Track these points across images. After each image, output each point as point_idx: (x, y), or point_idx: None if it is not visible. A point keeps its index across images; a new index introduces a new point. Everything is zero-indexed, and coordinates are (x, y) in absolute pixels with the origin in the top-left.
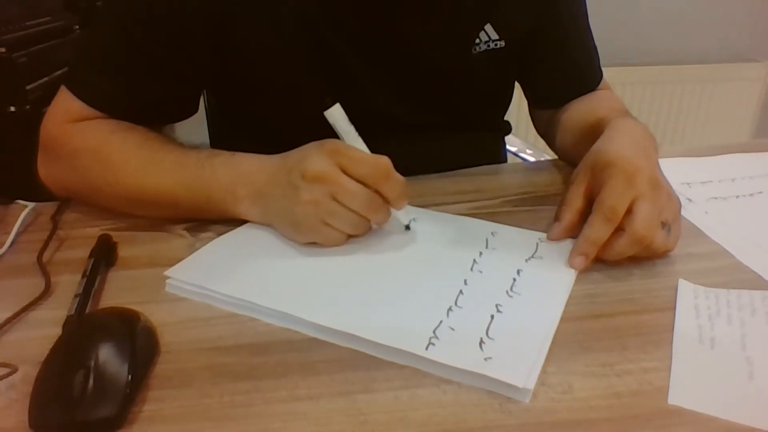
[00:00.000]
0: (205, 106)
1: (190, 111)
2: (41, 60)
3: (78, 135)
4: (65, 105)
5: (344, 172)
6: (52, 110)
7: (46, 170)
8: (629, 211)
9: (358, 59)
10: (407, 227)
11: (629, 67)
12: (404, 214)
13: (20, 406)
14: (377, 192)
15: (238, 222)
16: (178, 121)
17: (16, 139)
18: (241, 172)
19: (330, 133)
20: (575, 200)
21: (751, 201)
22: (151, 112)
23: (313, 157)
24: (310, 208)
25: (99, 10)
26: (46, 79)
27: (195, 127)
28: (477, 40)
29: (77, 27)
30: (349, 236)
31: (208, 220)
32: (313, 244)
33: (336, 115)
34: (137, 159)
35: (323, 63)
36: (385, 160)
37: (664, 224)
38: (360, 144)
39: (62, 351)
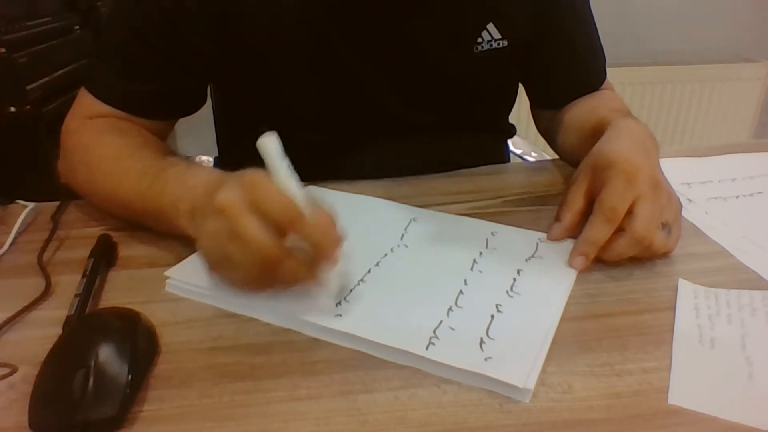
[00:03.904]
0: (212, 104)
1: (198, 104)
2: (41, 60)
3: (80, 132)
4: (83, 102)
5: (255, 209)
6: (72, 108)
7: (59, 165)
8: (630, 212)
9: (360, 57)
10: (335, 300)
11: (629, 67)
12: (333, 279)
13: (20, 406)
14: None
15: None
16: (187, 114)
17: (16, 139)
18: (186, 187)
19: (334, 131)
20: (576, 200)
21: (751, 201)
22: (161, 106)
23: (226, 185)
24: (209, 243)
25: (109, 8)
26: (46, 79)
27: (202, 125)
28: (479, 39)
29: (77, 27)
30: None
31: None
32: None
33: (269, 147)
34: (110, 165)
35: (324, 61)
36: (319, 209)
37: (664, 225)
38: (292, 184)
39: (62, 351)
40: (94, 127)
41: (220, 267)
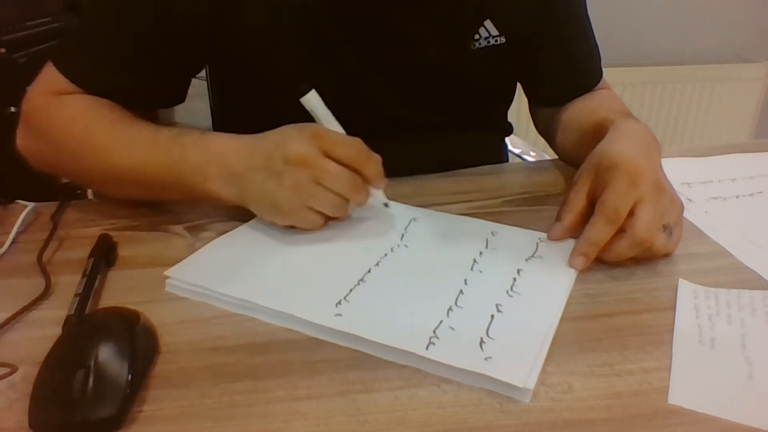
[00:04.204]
0: (209, 97)
1: (176, 100)
2: (41, 61)
3: (56, 107)
4: (50, 80)
5: (326, 155)
6: (36, 83)
7: (24, 141)
8: (631, 214)
9: (357, 57)
10: (386, 204)
11: (629, 67)
12: (381, 193)
13: (20, 406)
14: (357, 172)
15: (238, 222)
16: (164, 107)
17: (16, 140)
18: (212, 152)
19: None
20: (577, 201)
21: (751, 201)
22: (137, 96)
23: (294, 141)
24: (293, 192)
25: None
26: None
27: (199, 116)
28: (477, 36)
29: None
30: (328, 219)
31: (208, 220)
32: (316, 241)
33: (312, 100)
34: (110, 135)
35: (321, 61)
36: (360, 141)
37: (665, 227)
38: (338, 127)
39: (62, 351)
40: (76, 101)
41: (302, 210)
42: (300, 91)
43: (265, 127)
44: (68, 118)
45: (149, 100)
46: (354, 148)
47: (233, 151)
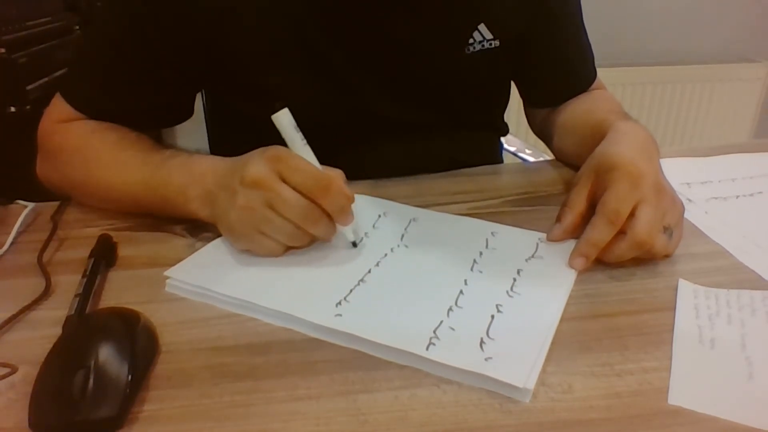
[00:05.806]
0: (203, 109)
1: (183, 116)
2: (41, 60)
3: (63, 133)
4: (58, 109)
5: (283, 180)
6: (46, 113)
7: (39, 167)
8: (632, 215)
9: (349, 61)
10: (354, 244)
11: (629, 67)
12: (350, 229)
13: (20, 406)
14: (318, 204)
15: None
16: (172, 125)
17: (16, 139)
18: (194, 174)
19: (325, 133)
20: (578, 202)
21: (751, 201)
22: (142, 118)
23: (252, 162)
24: (244, 213)
25: (92, 17)
26: (46, 79)
27: (194, 130)
28: (471, 40)
29: (77, 27)
30: (289, 248)
31: None
32: (317, 245)
33: (283, 120)
34: (109, 157)
35: (314, 67)
36: (330, 174)
37: (666, 229)
38: (307, 153)
39: (62, 351)
40: (83, 126)
41: (255, 235)
42: (272, 109)
43: (261, 137)
44: (74, 144)
45: (153, 120)
46: (312, 177)
47: (212, 171)
